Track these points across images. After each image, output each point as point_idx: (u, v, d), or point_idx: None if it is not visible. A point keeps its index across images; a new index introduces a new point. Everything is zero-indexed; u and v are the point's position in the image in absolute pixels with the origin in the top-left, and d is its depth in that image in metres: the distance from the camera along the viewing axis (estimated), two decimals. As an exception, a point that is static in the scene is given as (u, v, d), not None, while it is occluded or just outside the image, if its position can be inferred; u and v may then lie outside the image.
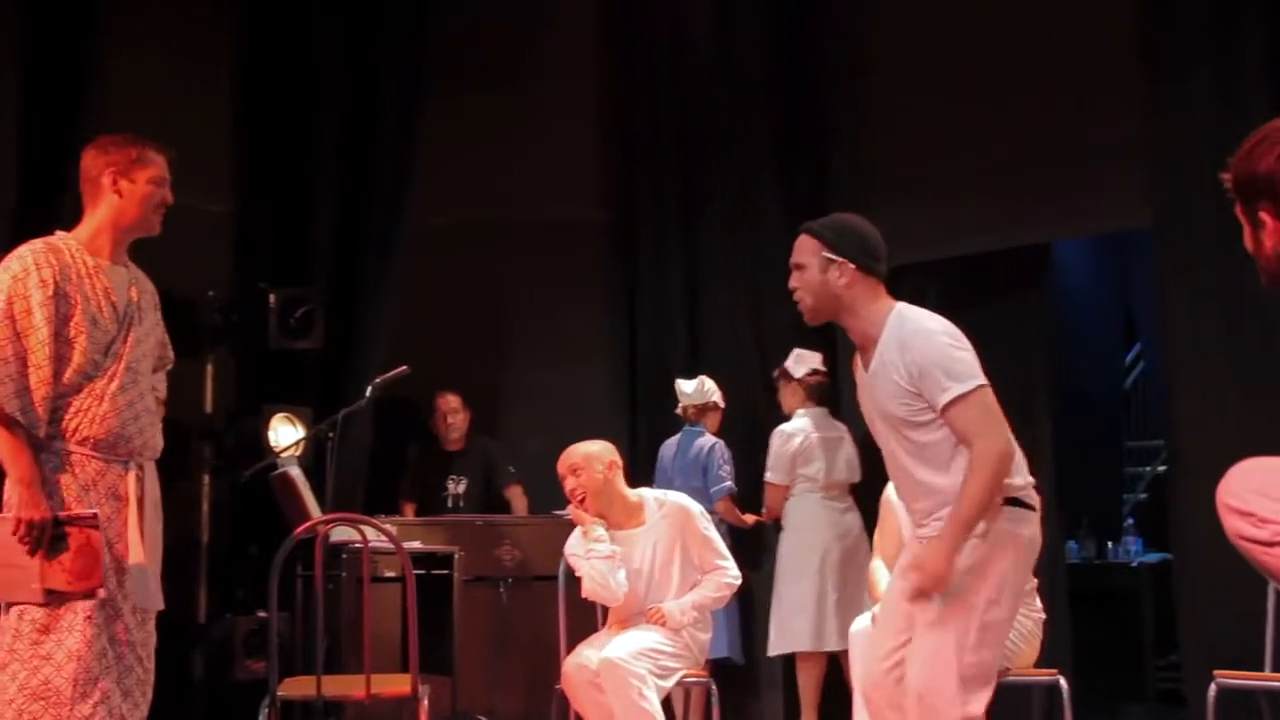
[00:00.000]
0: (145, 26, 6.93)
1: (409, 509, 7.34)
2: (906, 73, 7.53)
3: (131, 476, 3.92)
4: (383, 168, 7.44)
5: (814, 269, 3.93)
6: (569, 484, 5.20)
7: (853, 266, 3.90)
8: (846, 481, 6.78)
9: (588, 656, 5.01)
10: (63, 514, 3.77)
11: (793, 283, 3.99)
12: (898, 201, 7.26)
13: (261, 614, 6.25)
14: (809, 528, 6.71)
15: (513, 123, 8.06)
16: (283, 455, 6.20)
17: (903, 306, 3.96)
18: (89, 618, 3.76)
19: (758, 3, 7.92)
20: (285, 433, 6.59)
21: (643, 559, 5.17)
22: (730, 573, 5.24)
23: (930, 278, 7.15)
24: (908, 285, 6.76)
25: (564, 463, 5.22)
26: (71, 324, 3.82)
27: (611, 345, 8.08)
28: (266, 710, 4.68)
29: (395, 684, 4.74)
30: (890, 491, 5.57)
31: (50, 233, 3.97)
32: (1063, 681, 4.96)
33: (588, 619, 5.43)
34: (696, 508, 5.28)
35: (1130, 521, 8.41)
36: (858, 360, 4.04)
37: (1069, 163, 6.96)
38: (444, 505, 7.39)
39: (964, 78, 7.33)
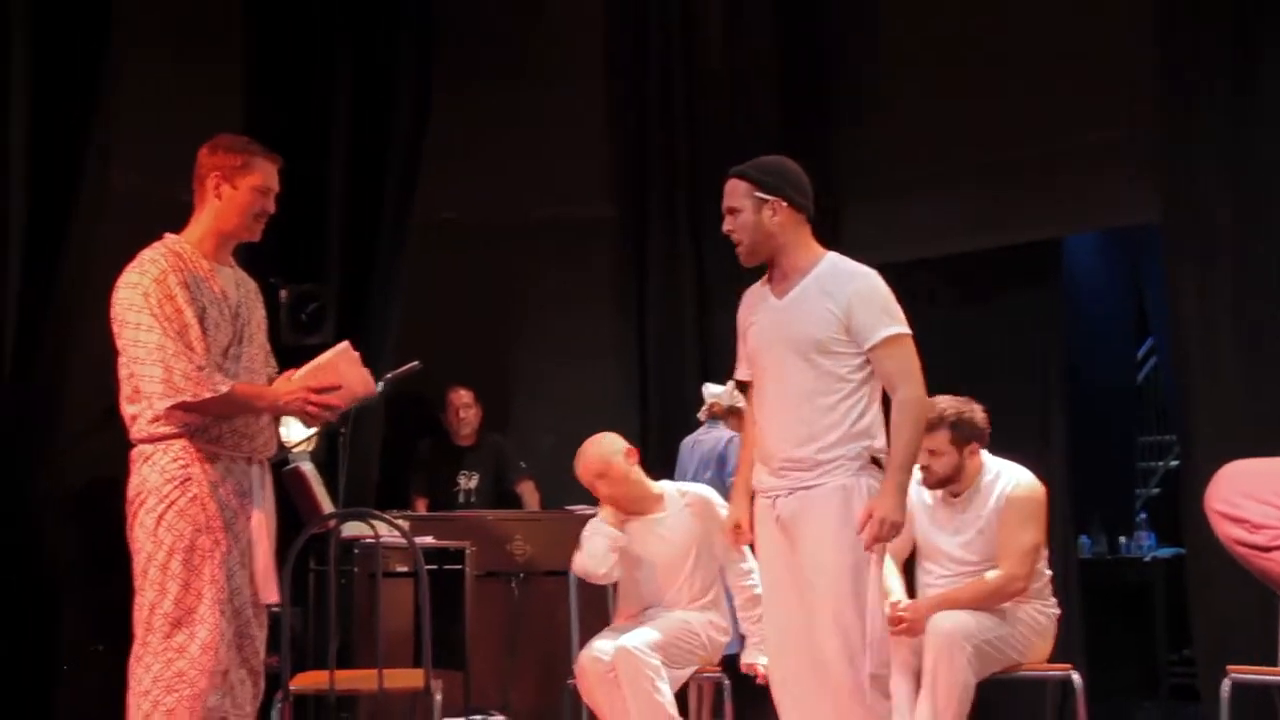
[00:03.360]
0: (156, 26, 6.93)
1: (421, 504, 7.35)
2: (915, 68, 7.52)
3: (255, 473, 3.97)
4: (394, 164, 7.44)
5: (748, 210, 4.07)
6: (602, 491, 5.16)
7: (785, 204, 4.05)
8: None
9: (601, 649, 5.00)
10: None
11: (726, 226, 4.11)
12: (907, 197, 7.26)
13: (274, 608, 6.24)
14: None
15: (523, 119, 8.07)
16: (295, 450, 6.18)
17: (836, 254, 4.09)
18: (220, 609, 3.79)
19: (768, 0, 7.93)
20: (297, 428, 6.58)
21: (657, 547, 5.16)
22: (755, 577, 5.03)
23: (941, 274, 7.13)
24: (919, 281, 6.77)
25: (587, 470, 5.15)
26: (202, 327, 3.84)
27: (622, 342, 8.08)
28: (280, 704, 4.69)
29: (407, 679, 4.74)
30: None
31: (160, 236, 3.95)
32: (1076, 677, 4.95)
33: (600, 613, 5.43)
34: (719, 498, 5.22)
35: (1143, 516, 8.38)
36: (760, 291, 4.14)
37: (1079, 157, 6.94)
38: (455, 500, 7.39)
39: (973, 72, 7.31)
